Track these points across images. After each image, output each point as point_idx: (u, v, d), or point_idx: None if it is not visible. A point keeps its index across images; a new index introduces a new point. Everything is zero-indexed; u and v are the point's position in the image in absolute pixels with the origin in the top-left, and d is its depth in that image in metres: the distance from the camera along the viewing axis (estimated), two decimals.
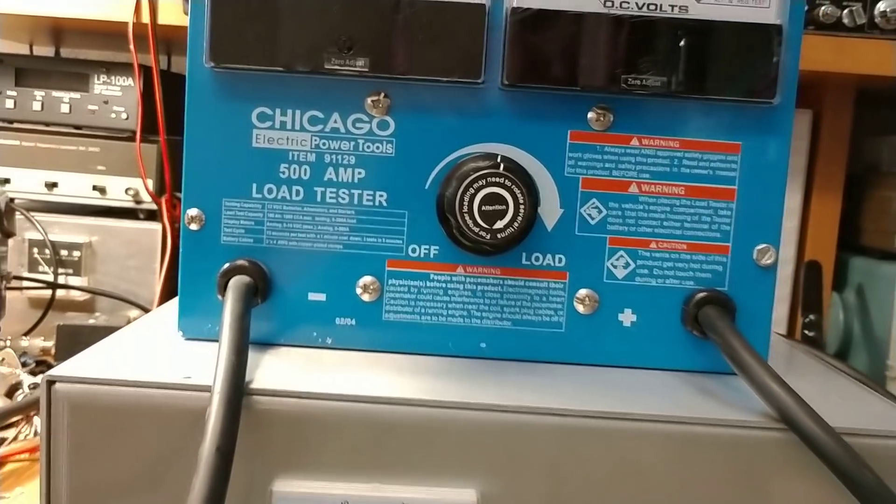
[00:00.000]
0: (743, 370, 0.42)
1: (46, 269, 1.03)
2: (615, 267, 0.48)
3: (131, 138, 1.03)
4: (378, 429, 0.41)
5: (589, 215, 0.48)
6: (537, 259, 0.48)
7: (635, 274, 0.48)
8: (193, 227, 0.48)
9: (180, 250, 0.48)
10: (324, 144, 0.47)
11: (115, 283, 1.05)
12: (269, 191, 0.48)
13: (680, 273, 0.48)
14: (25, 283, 1.02)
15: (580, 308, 0.48)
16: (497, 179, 0.44)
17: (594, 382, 0.46)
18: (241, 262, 0.47)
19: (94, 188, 1.05)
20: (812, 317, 0.99)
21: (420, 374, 0.45)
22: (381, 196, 0.48)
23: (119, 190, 1.05)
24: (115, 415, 0.41)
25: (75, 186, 1.05)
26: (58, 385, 0.41)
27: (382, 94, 0.47)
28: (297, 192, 0.48)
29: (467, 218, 0.44)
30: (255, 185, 0.48)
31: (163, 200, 1.03)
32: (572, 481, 0.41)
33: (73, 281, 1.04)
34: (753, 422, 0.41)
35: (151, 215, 1.07)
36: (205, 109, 0.47)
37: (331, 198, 0.48)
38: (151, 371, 0.42)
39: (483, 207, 0.44)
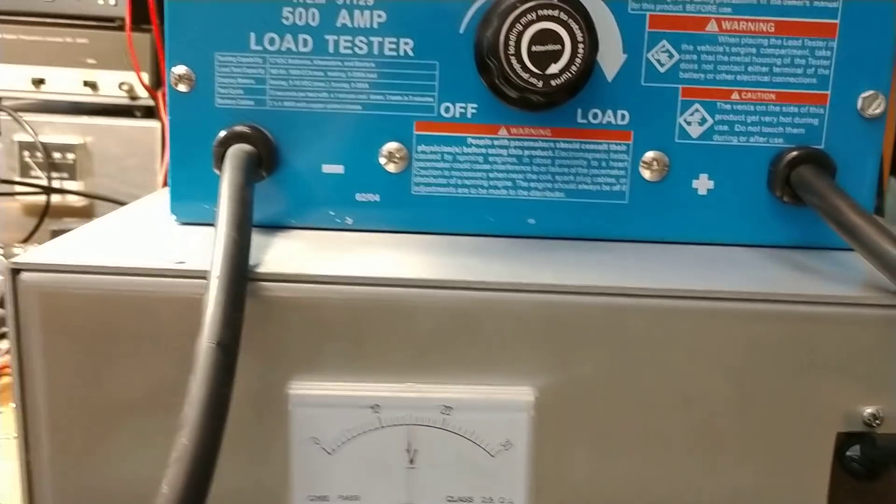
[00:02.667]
0: (854, 236, 0.35)
1: (39, 173, 0.96)
2: (689, 123, 0.40)
3: (121, 27, 0.94)
4: (411, 317, 0.34)
5: (658, 61, 0.40)
6: (595, 116, 0.40)
7: (713, 132, 0.40)
8: (181, 88, 0.40)
9: (168, 118, 0.40)
10: None
11: (115, 187, 0.97)
12: (271, 41, 0.40)
13: (767, 129, 0.40)
14: (17, 189, 0.95)
15: (647, 174, 0.41)
16: (550, 12, 0.36)
17: (667, 260, 0.39)
18: (240, 127, 0.40)
19: (85, 84, 0.96)
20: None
21: (458, 255, 0.38)
22: (406, 44, 0.39)
23: (112, 85, 0.96)
24: (95, 308, 0.34)
25: (64, 82, 0.97)
26: (24, 275, 0.34)
27: None
28: (305, 42, 0.40)
29: (514, 61, 0.36)
30: (253, 35, 0.40)
31: (160, 94, 0.94)
32: (647, 372, 0.34)
33: (69, 185, 0.96)
34: (870, 298, 0.34)
35: (149, 112, 0.99)
36: None
37: (345, 47, 0.40)
38: (137, 257, 0.35)
39: (533, 48, 0.36)
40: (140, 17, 0.94)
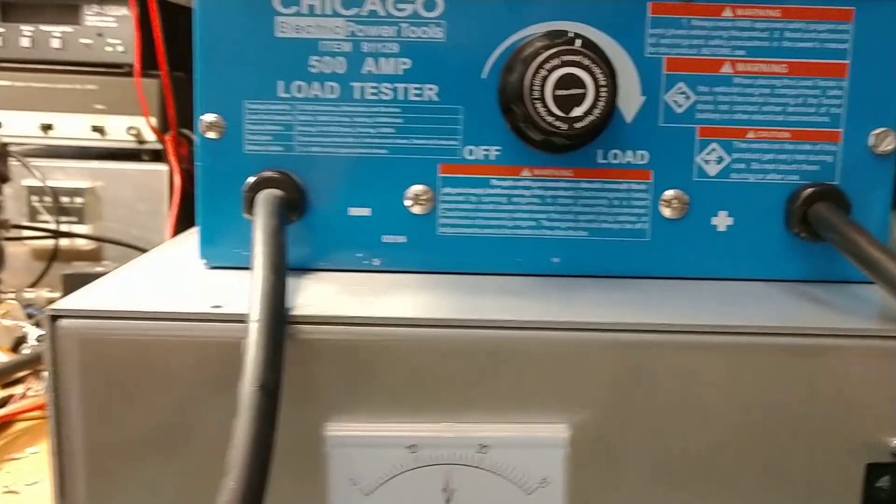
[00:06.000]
0: (874, 269, 0.36)
1: (48, 217, 0.96)
2: (707, 162, 0.41)
3: (130, 73, 0.95)
4: (446, 357, 0.34)
5: (675, 102, 0.41)
6: (616, 157, 0.41)
7: (730, 170, 0.41)
8: (211, 135, 0.41)
9: (196, 164, 0.41)
10: (360, 31, 0.40)
11: (124, 230, 0.98)
12: (298, 88, 0.41)
13: (783, 166, 0.41)
14: (26, 233, 0.95)
15: (667, 212, 0.41)
16: (573, 58, 0.37)
17: (690, 296, 0.39)
18: (269, 173, 0.41)
19: (94, 129, 0.97)
20: None
21: (487, 294, 0.39)
22: (430, 90, 0.40)
23: (120, 130, 0.97)
24: (133, 353, 0.34)
25: (72, 128, 0.98)
26: (64, 321, 0.34)
27: None
28: (332, 89, 0.40)
29: (538, 106, 0.37)
30: (281, 83, 0.41)
31: (168, 139, 0.95)
32: (676, 407, 0.34)
33: (77, 229, 0.97)
34: (891, 330, 0.35)
35: (157, 156, 0.99)
36: None
37: (371, 94, 0.41)
38: (174, 301, 0.36)
39: (557, 92, 0.37)
40: (148, 63, 0.95)
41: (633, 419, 0.35)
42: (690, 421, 0.35)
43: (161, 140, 0.96)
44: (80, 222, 0.97)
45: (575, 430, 0.34)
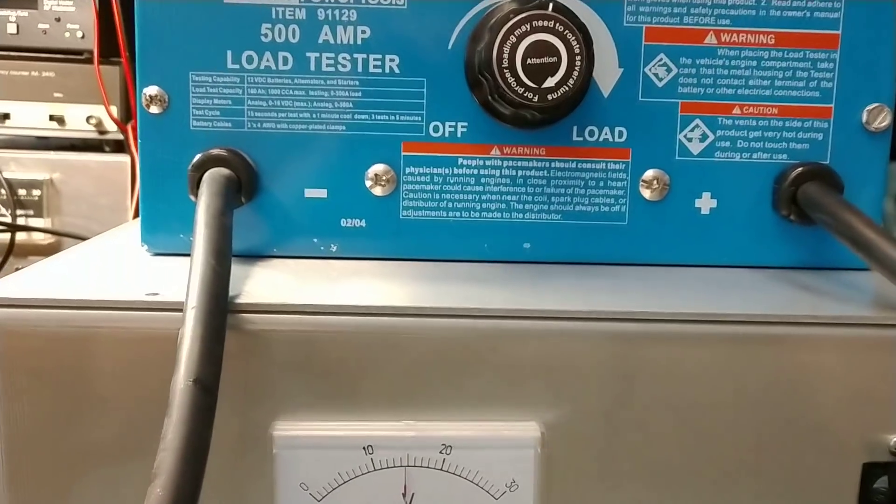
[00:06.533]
0: (871, 253, 0.33)
1: (4, 210, 0.92)
2: (689, 140, 0.38)
3: (89, 60, 0.91)
4: (406, 349, 0.31)
5: (655, 75, 0.38)
6: (592, 134, 0.38)
7: (714, 148, 0.39)
8: (154, 110, 0.37)
9: (138, 141, 0.38)
10: None
11: (84, 224, 0.94)
12: (249, 59, 0.37)
13: (770, 144, 0.39)
14: None
15: (647, 193, 0.39)
16: (546, 23, 0.34)
17: (671, 283, 0.37)
18: (217, 151, 0.38)
19: (51, 118, 0.93)
20: None
21: (453, 282, 0.36)
22: (391, 61, 0.37)
23: (79, 119, 0.94)
24: (60, 347, 0.31)
25: (29, 117, 0.94)
26: None
27: None
28: (285, 60, 0.37)
29: (508, 75, 0.34)
30: (230, 54, 0.37)
31: (129, 128, 0.91)
32: (657, 403, 0.32)
33: (35, 223, 0.93)
34: (889, 318, 0.32)
35: (119, 147, 0.96)
36: None
37: (328, 65, 0.37)
38: (108, 289, 0.32)
39: (528, 61, 0.34)
40: (109, 50, 0.91)
41: (610, 417, 0.32)
42: (674, 418, 0.32)
43: (122, 130, 0.93)
44: (37, 216, 0.93)
45: (546, 429, 0.31)
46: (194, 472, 0.26)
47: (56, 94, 0.94)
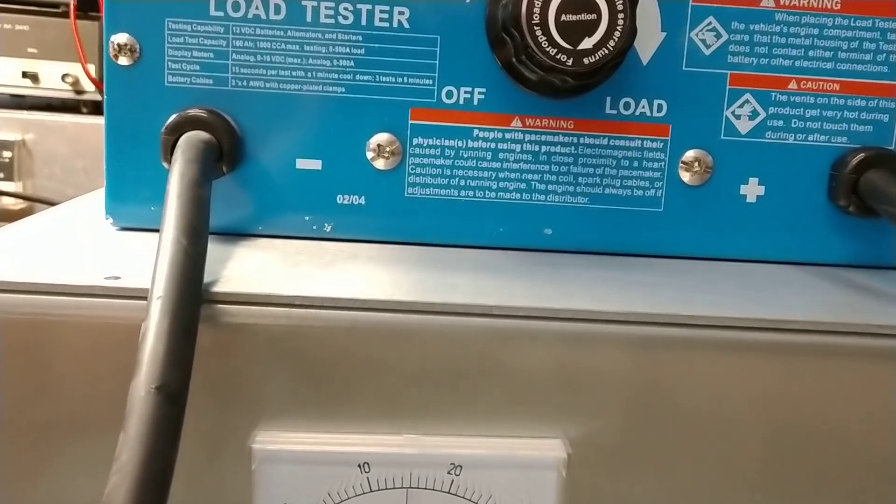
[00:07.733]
0: None
1: None
2: (737, 117, 0.34)
3: (65, 13, 0.86)
4: (410, 352, 0.27)
5: (703, 41, 0.33)
6: (627, 106, 0.34)
7: (765, 127, 0.35)
8: (123, 61, 0.33)
9: (105, 97, 0.33)
10: None
11: (59, 189, 0.90)
12: (235, 6, 0.33)
13: (829, 126, 0.35)
14: None
15: (686, 177, 0.35)
16: None
17: (711, 280, 0.33)
18: (195, 111, 0.33)
19: (25, 75, 0.89)
20: None
21: (464, 272, 0.31)
22: (400, 14, 0.33)
23: (55, 77, 0.89)
24: (5, 336, 0.26)
25: (1, 73, 0.89)
26: None
27: None
28: (277, 9, 0.33)
29: (538, 33, 0.29)
30: None
31: None
32: (705, 416, 0.28)
33: (5, 186, 0.88)
34: None
35: (97, 108, 0.91)
36: None
37: (327, 16, 0.33)
38: (62, 272, 0.28)
39: (563, 17, 0.29)
40: (86, 4, 0.86)
41: (645, 434, 0.28)
42: (715, 436, 0.28)
43: (100, 90, 0.87)
44: (8, 179, 0.89)
45: (572, 448, 0.27)
46: (156, 497, 0.21)
47: (30, 50, 0.89)
